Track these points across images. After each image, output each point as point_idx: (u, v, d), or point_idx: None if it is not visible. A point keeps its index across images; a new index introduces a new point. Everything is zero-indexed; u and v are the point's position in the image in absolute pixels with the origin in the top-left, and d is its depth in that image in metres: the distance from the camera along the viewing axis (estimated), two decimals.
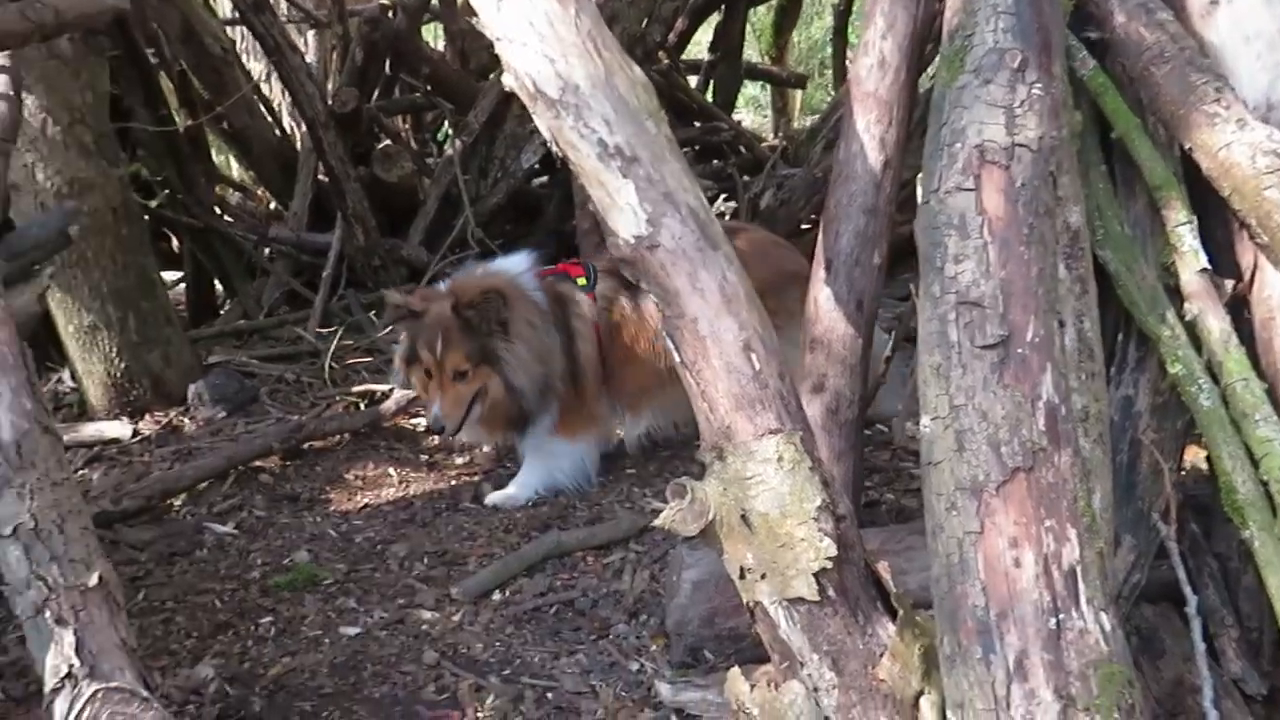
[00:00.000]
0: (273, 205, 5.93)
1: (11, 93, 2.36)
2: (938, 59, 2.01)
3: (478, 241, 4.87)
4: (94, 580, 1.34)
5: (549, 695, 2.27)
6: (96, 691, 1.27)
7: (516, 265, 3.33)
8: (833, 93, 7.91)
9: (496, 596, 2.69)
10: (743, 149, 6.29)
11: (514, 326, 3.07)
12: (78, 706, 1.26)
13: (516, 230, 5.65)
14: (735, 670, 1.97)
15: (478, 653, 2.45)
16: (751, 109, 9.84)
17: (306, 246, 5.22)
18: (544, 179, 5.97)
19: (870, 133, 2.45)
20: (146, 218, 4.52)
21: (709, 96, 6.72)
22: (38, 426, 1.38)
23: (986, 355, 1.67)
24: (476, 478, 3.41)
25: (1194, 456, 2.28)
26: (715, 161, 6.02)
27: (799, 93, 8.32)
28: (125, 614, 1.39)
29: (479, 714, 2.22)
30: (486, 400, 3.10)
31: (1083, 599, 1.52)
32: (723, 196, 5.92)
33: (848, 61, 6.57)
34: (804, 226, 5.48)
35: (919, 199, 1.93)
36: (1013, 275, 1.71)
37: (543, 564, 2.82)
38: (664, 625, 2.43)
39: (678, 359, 1.94)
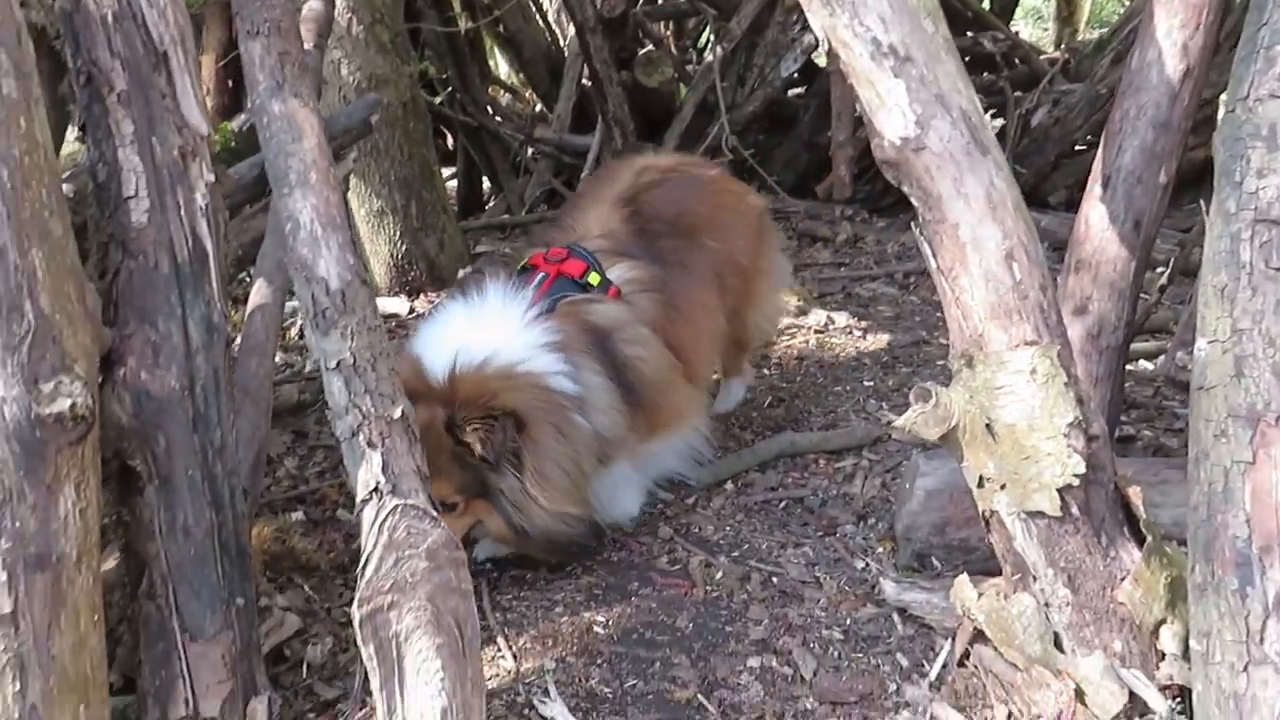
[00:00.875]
0: (538, 107, 6.22)
1: None
2: None
3: (731, 149, 4.91)
4: (397, 413, 1.55)
5: (774, 580, 2.38)
6: (397, 506, 1.48)
7: (522, 340, 2.28)
8: (1127, 2, 7.22)
9: (729, 486, 2.81)
10: (1018, 61, 5.89)
11: (530, 458, 2.22)
12: (381, 515, 1.48)
13: (769, 140, 5.64)
14: (964, 576, 1.99)
15: (709, 534, 2.59)
16: (1031, 20, 9.14)
17: (568, 148, 5.46)
18: (801, 89, 5.88)
19: (1172, 38, 2.26)
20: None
21: (986, 4, 6.32)
22: (357, 278, 1.60)
23: None
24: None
25: None
26: (985, 74, 5.68)
27: (1087, 2, 7.64)
28: (419, 446, 1.60)
29: (708, 587, 2.36)
30: (491, 533, 2.35)
31: None
32: (990, 112, 5.60)
33: None
34: (1078, 148, 5.13)
35: (1220, 115, 1.79)
36: None
37: (775, 462, 2.90)
38: (892, 530, 2.46)
39: (933, 264, 1.92)
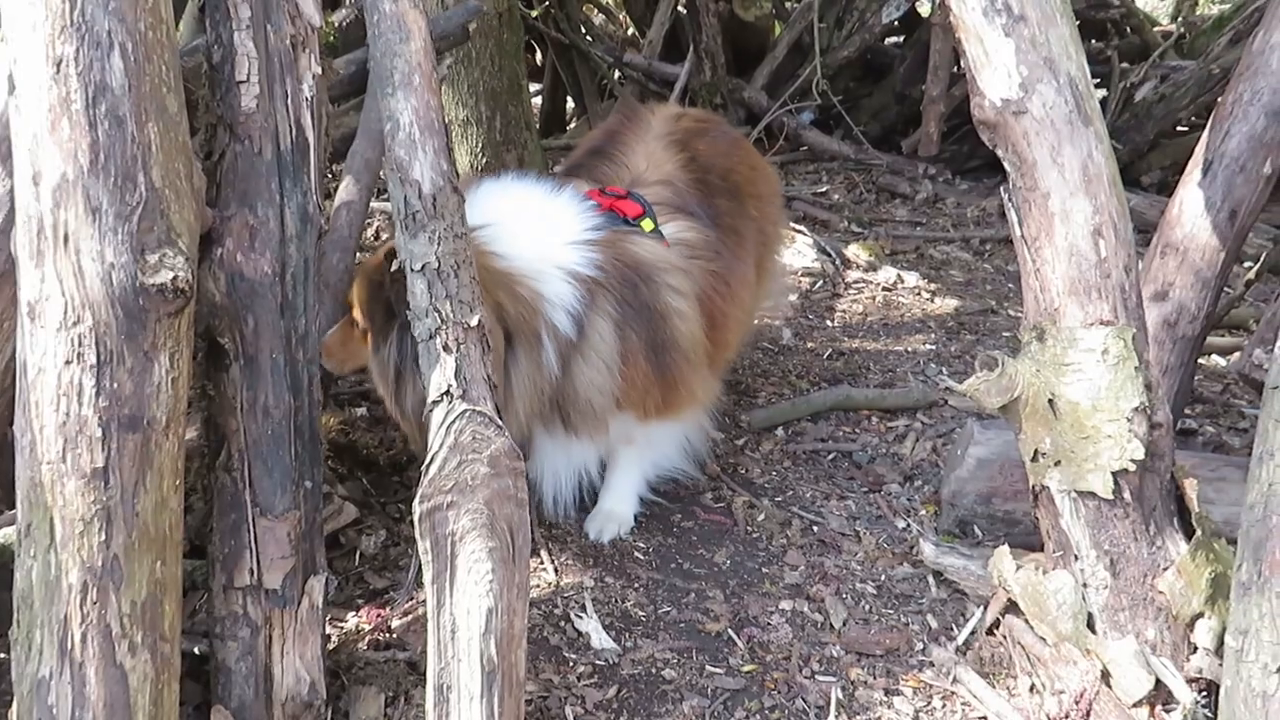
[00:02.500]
0: (630, 31, 6.15)
1: None
2: None
3: (821, 94, 4.82)
4: (474, 321, 1.59)
5: (814, 528, 2.42)
6: (465, 410, 1.54)
7: (551, 257, 2.05)
8: None
9: (780, 433, 2.83)
10: (1130, 31, 5.67)
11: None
12: (450, 418, 1.53)
13: (860, 89, 5.52)
14: (1005, 548, 2.01)
15: (754, 476, 2.63)
16: None
17: (656, 75, 5.41)
18: (899, 39, 5.74)
19: None
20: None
21: None
22: (449, 185, 1.63)
23: None
24: (777, 322, 3.53)
25: None
26: (1094, 41, 5.48)
27: None
28: (492, 356, 1.64)
29: (749, 528, 2.40)
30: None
31: None
32: (1094, 82, 5.41)
33: None
34: (1180, 129, 4.95)
35: None
36: None
37: (828, 414, 2.92)
38: (937, 494, 2.47)
39: (1017, 232, 1.90)
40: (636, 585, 2.19)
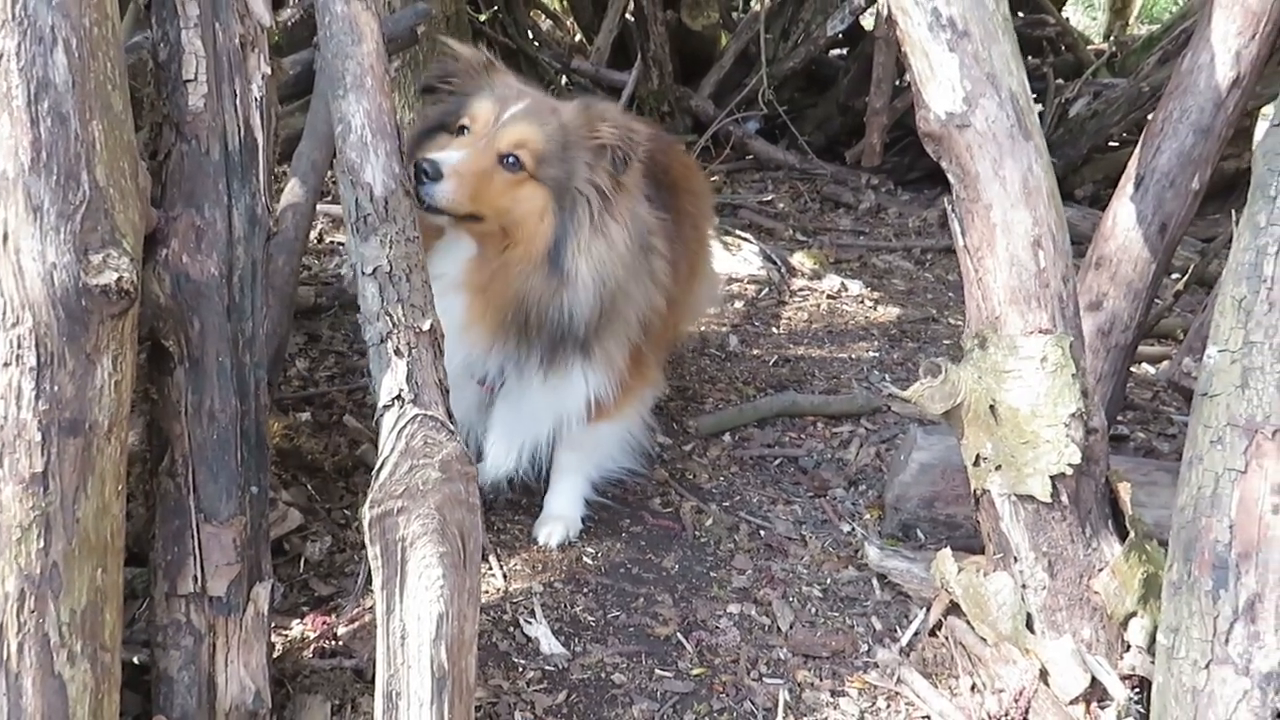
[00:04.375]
0: (578, 37, 6.15)
1: None
2: None
3: (766, 103, 4.88)
4: (426, 325, 1.58)
5: (761, 533, 2.44)
6: (417, 415, 1.52)
7: None
8: (1180, 1, 7.12)
9: (727, 439, 2.86)
10: (1064, 49, 5.84)
11: (618, 204, 2.02)
12: (401, 423, 1.52)
13: (804, 98, 5.60)
14: (947, 550, 2.05)
15: (702, 481, 2.65)
16: (1082, 7, 9.00)
17: (603, 81, 5.42)
18: (844, 51, 5.83)
19: (1226, 44, 2.26)
20: None
21: None
22: (401, 188, 1.62)
23: None
24: (725, 329, 3.56)
25: None
26: (1031, 58, 5.63)
27: None
28: (443, 360, 1.63)
29: (697, 532, 2.42)
30: (513, 248, 2.00)
31: None
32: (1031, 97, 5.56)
33: None
34: (1112, 144, 5.10)
35: (1259, 129, 1.80)
36: None
37: (774, 420, 2.95)
38: (881, 498, 2.52)
39: (960, 242, 1.95)
40: (585, 590, 2.19)
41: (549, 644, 1.98)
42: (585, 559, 2.29)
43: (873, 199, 4.89)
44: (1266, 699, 1.45)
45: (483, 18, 4.94)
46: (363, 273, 1.58)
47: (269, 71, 1.64)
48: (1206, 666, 1.51)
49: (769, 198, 4.87)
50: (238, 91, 1.58)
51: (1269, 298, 1.60)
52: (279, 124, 2.61)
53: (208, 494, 1.55)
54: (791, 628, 2.13)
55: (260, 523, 1.63)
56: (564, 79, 5.57)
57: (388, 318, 1.55)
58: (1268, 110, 1.79)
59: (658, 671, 1.96)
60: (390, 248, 1.58)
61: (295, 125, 2.68)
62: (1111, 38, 6.83)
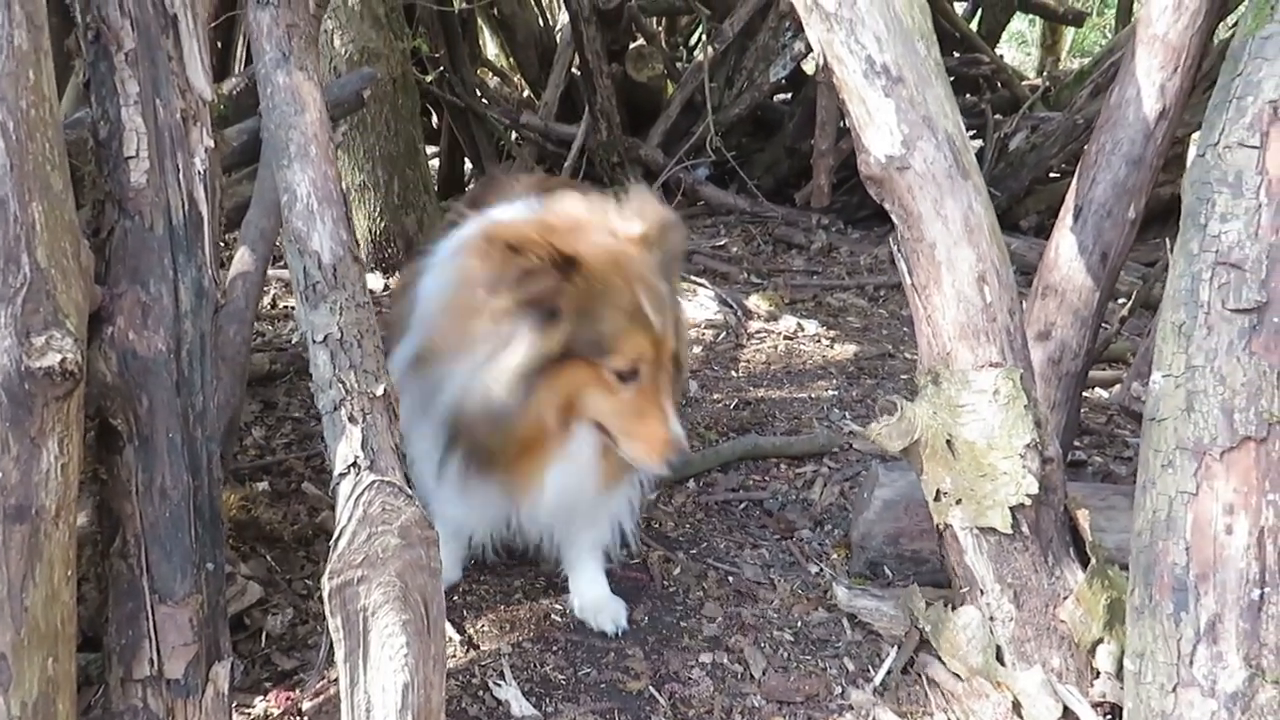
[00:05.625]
0: (526, 93, 6.23)
1: None
2: (1244, 5, 1.90)
3: (715, 150, 4.96)
4: (380, 390, 1.57)
5: (730, 579, 2.43)
6: (374, 481, 1.51)
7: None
8: (1110, 34, 7.36)
9: (691, 485, 2.86)
10: (1000, 85, 6.01)
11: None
12: (358, 490, 1.50)
13: (752, 143, 5.70)
14: (914, 587, 2.06)
15: (668, 530, 2.64)
16: (1015, 44, 9.29)
17: (552, 135, 5.48)
18: (788, 95, 5.95)
19: (1151, 78, 2.34)
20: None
21: (974, 25, 6.43)
22: (349, 254, 1.62)
23: (1237, 319, 1.62)
24: (684, 374, 3.57)
25: None
26: (968, 96, 5.79)
27: (1071, 31, 7.78)
28: (398, 423, 1.62)
29: (665, 582, 2.41)
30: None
31: None
32: (970, 134, 5.70)
33: (1137, 1, 6.11)
34: (1052, 175, 5.24)
35: (1189, 157, 1.86)
36: None
37: (738, 463, 2.96)
38: (847, 537, 2.52)
39: (908, 280, 1.98)
40: (555, 648, 2.16)
41: (519, 706, 1.95)
42: (554, 616, 2.27)
43: (824, 239, 4.97)
44: (1234, 719, 1.46)
45: (429, 78, 4.99)
46: (313, 340, 1.57)
47: (212, 145, 1.64)
48: (1174, 690, 1.52)
49: (722, 242, 4.93)
50: (180, 166, 1.58)
51: (1206, 322, 1.64)
52: (225, 194, 2.61)
53: (161, 574, 1.52)
54: (764, 674, 2.12)
55: (217, 600, 1.59)
56: (513, 135, 5.63)
57: (340, 384, 1.54)
58: (1196, 138, 1.85)
59: None
60: (340, 314, 1.57)
61: (243, 193, 2.67)
62: (1045, 73, 7.05)
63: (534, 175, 2.97)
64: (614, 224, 1.90)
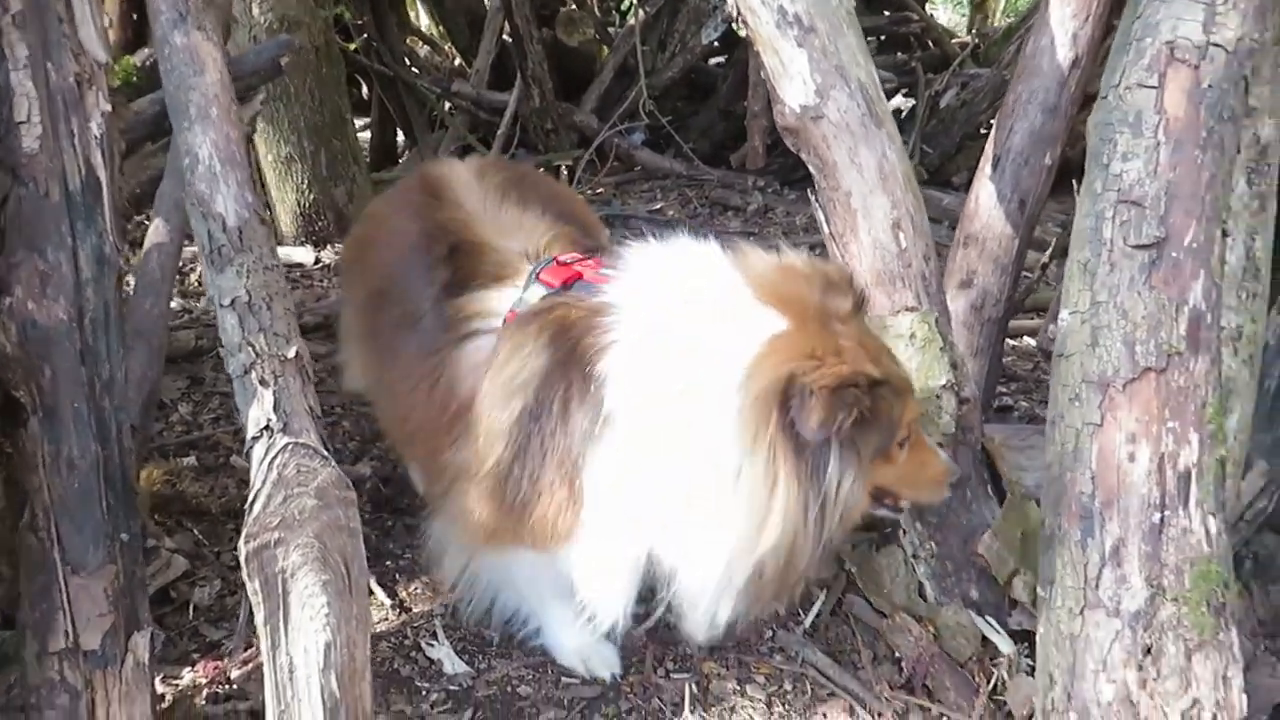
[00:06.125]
0: (457, 61, 6.14)
1: None
2: None
3: (648, 114, 4.94)
4: (292, 353, 1.55)
5: None
6: (287, 444, 1.49)
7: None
8: None
9: None
10: (931, 44, 6.06)
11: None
12: (272, 453, 1.49)
13: (686, 108, 5.69)
14: None
15: None
16: (951, 5, 9.35)
17: (485, 104, 5.42)
18: (721, 59, 5.94)
19: (1064, 27, 2.37)
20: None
21: None
22: (255, 216, 1.59)
23: (1138, 255, 1.66)
24: None
25: None
26: (899, 54, 5.83)
27: None
28: (313, 386, 1.61)
29: None
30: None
31: (1192, 500, 1.55)
32: (902, 92, 5.75)
33: None
34: (983, 131, 5.30)
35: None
36: (1181, 178, 1.68)
37: None
38: None
39: (825, 229, 2.00)
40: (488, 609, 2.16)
41: (452, 664, 1.96)
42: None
43: (760, 200, 4.98)
44: (1137, 636, 1.51)
45: (354, 46, 4.89)
46: (221, 304, 1.55)
47: (109, 109, 1.60)
48: (1081, 612, 1.57)
49: (658, 206, 4.93)
50: (75, 131, 1.54)
51: (1109, 259, 1.68)
52: (133, 162, 2.55)
53: (73, 545, 1.50)
54: None
55: (134, 570, 1.57)
56: (445, 104, 5.55)
57: (250, 348, 1.53)
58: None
59: (564, 680, 1.95)
60: (248, 277, 1.55)
61: (158, 165, 2.61)
62: (974, 30, 7.11)
63: (477, 160, 2.58)
64: (829, 304, 1.60)
